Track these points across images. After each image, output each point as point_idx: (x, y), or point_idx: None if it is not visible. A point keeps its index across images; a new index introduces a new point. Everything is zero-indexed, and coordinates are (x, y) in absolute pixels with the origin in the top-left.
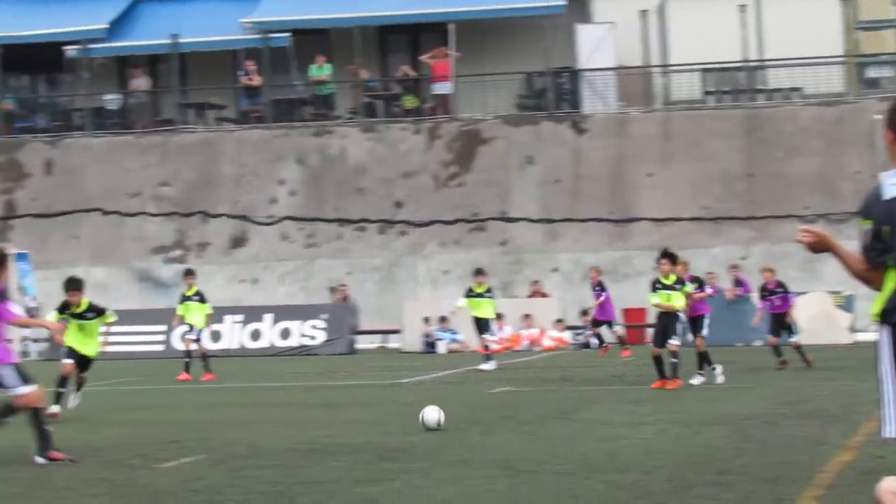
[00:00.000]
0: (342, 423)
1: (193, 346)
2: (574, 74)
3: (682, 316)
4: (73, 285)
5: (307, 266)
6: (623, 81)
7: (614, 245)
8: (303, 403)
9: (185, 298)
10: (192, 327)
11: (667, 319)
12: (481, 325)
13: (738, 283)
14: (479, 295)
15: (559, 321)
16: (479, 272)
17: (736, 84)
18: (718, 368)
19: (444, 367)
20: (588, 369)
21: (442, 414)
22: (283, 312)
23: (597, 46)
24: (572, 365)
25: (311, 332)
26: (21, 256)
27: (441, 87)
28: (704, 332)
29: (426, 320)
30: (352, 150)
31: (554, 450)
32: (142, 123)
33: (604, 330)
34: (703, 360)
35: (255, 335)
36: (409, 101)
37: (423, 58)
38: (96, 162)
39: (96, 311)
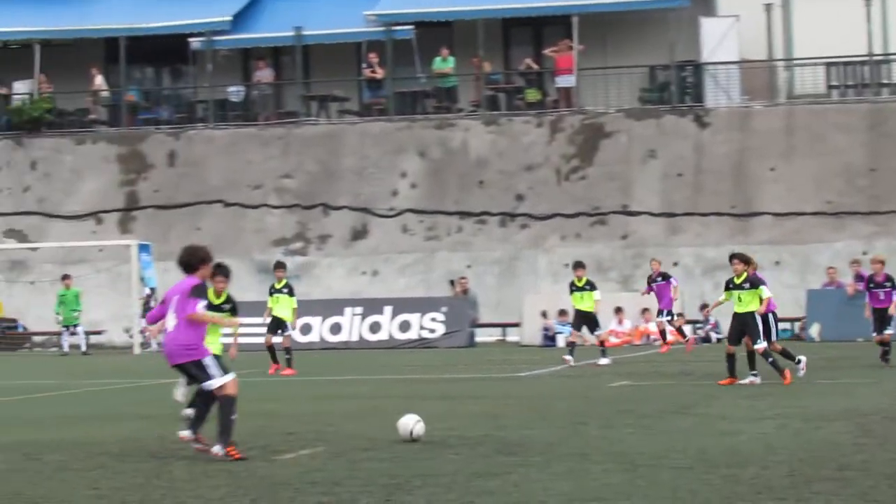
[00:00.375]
0: (460, 416)
1: (276, 340)
2: (697, 68)
3: (759, 316)
4: (223, 272)
5: (427, 259)
6: (746, 75)
7: (735, 239)
8: (421, 396)
9: (274, 291)
10: (284, 323)
11: (743, 319)
12: (586, 320)
13: (860, 278)
14: (581, 288)
15: (679, 315)
16: (577, 265)
17: (860, 78)
18: (802, 361)
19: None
20: (707, 364)
21: (418, 425)
22: (403, 305)
23: (720, 40)
24: (692, 359)
25: (430, 325)
26: (143, 248)
27: (564, 81)
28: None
29: (545, 314)
30: (473, 143)
31: (672, 444)
32: (265, 115)
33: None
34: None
35: (375, 327)
36: (532, 94)
37: (547, 51)
38: (219, 154)
39: (232, 305)
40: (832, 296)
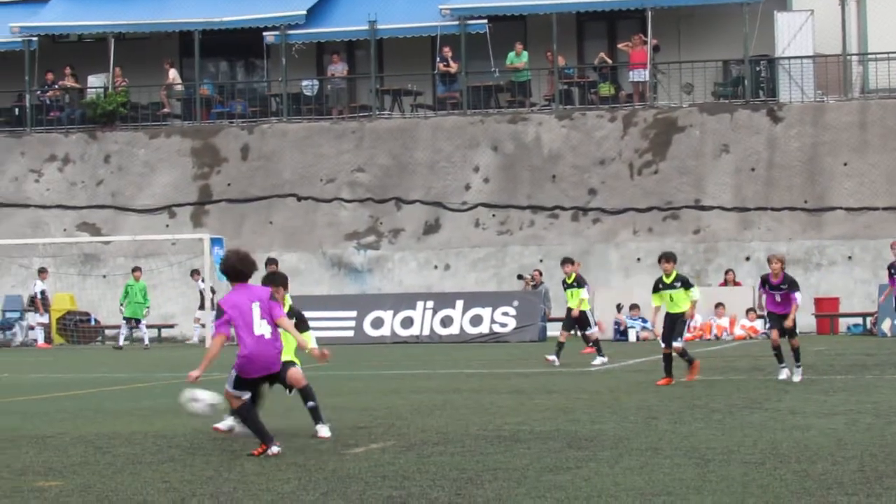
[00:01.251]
0: (530, 411)
1: None
2: (771, 62)
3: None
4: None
5: (499, 253)
6: (820, 70)
7: (808, 234)
8: (492, 390)
9: None
10: None
11: (673, 318)
12: (575, 320)
13: None
14: (570, 286)
15: (751, 310)
16: (565, 261)
17: None
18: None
19: (635, 355)
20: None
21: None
22: (475, 299)
23: (795, 34)
24: (763, 354)
25: (501, 319)
26: (215, 241)
27: (637, 75)
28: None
29: (618, 308)
30: (546, 137)
31: (743, 439)
32: (338, 109)
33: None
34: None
35: (446, 321)
36: (605, 89)
37: (621, 45)
38: (292, 148)
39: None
40: None
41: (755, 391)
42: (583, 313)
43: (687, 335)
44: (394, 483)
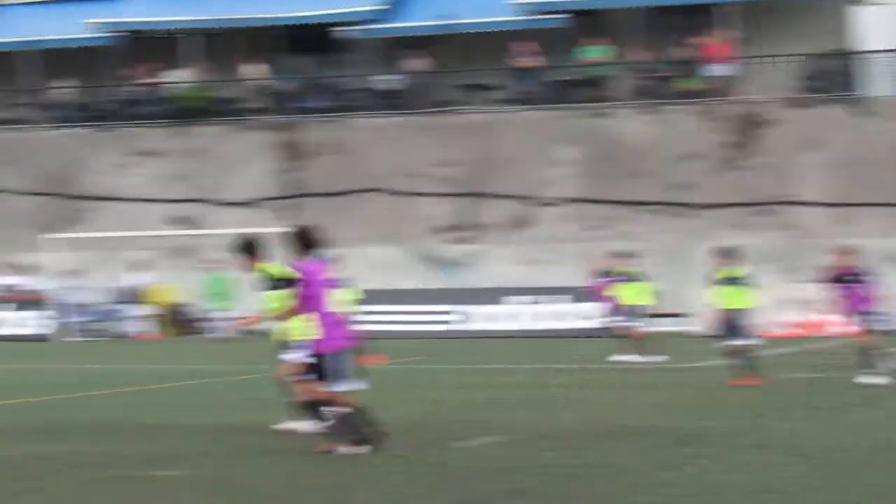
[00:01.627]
0: (634, 406)
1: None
2: (858, 56)
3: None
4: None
5: (587, 248)
6: None
7: None
8: (590, 385)
9: None
10: None
11: (731, 316)
12: (634, 311)
13: None
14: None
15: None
16: (620, 255)
17: None
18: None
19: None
20: None
21: None
22: (563, 294)
23: (880, 27)
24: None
25: (591, 314)
26: None
27: (721, 69)
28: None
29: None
30: (630, 132)
31: (849, 437)
32: (422, 104)
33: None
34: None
35: (536, 316)
36: (689, 83)
37: (703, 39)
38: (378, 143)
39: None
40: None
41: (861, 389)
42: (641, 307)
43: (780, 331)
44: (497, 477)
